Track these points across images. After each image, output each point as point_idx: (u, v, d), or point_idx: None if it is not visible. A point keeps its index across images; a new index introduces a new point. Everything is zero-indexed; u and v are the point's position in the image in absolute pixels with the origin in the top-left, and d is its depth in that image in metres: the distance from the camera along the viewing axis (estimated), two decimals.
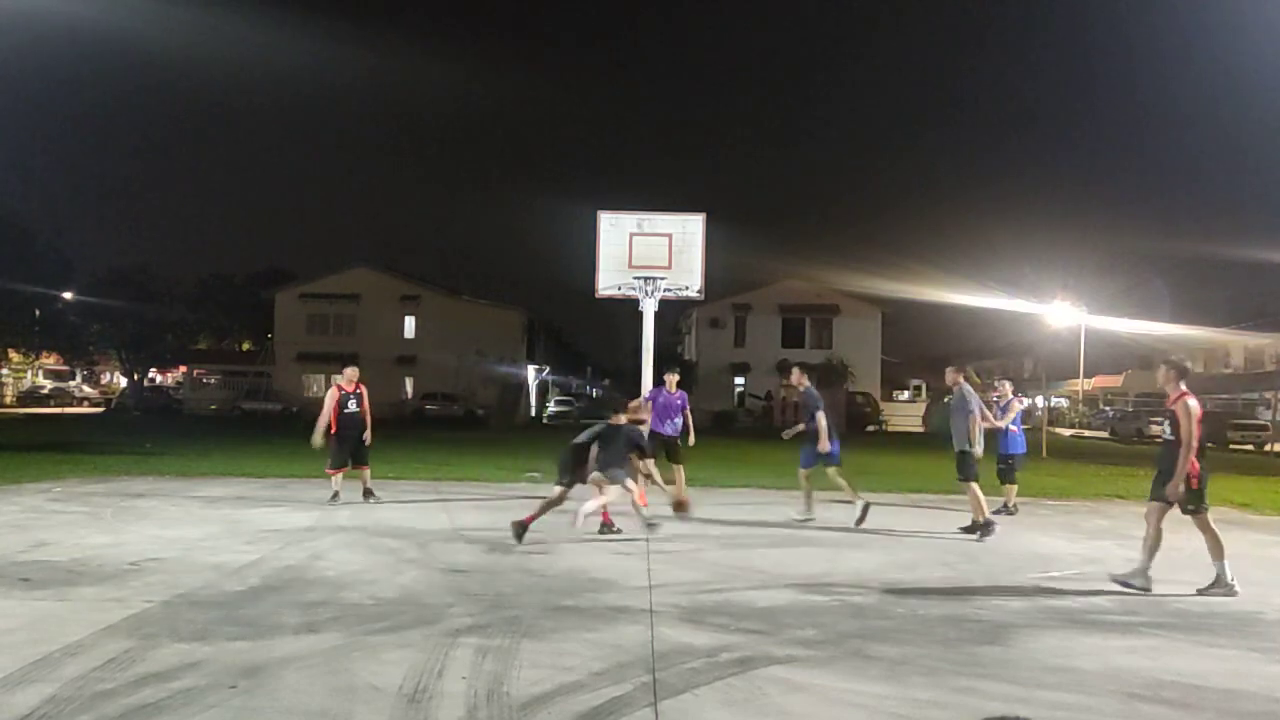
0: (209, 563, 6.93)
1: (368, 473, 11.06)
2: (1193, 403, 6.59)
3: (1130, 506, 12.27)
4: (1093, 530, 9.93)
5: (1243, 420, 34.63)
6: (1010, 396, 11.31)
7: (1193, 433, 6.50)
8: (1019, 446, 11.01)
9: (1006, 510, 10.87)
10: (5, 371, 53.89)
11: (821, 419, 9.88)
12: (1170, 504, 6.68)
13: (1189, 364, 6.97)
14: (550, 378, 60.24)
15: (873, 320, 46.43)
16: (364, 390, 11.01)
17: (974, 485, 9.08)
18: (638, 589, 6.35)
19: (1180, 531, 9.98)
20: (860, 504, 9.53)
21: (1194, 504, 6.68)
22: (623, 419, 8.55)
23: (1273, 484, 15.70)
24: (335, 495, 10.68)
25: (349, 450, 10.82)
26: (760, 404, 43.55)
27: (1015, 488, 11.00)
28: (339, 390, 10.84)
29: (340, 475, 10.79)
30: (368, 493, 10.85)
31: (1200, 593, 6.60)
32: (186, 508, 10.05)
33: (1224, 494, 13.77)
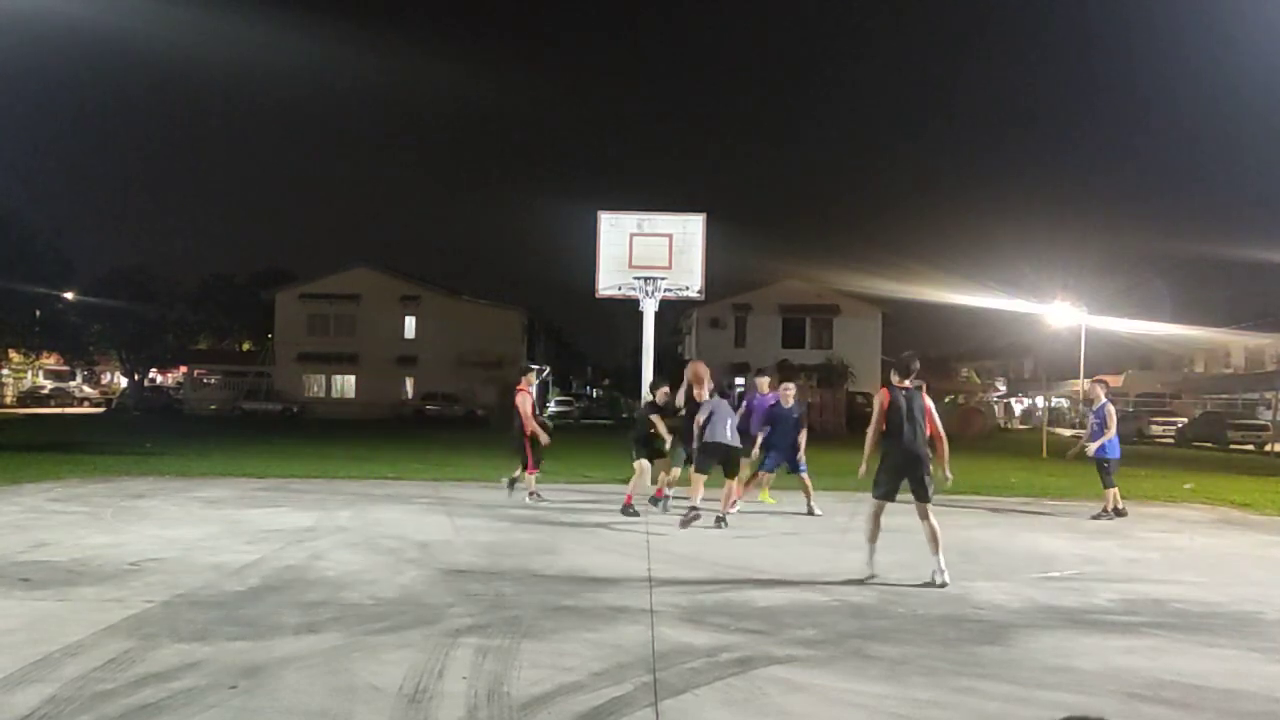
0: (209, 563, 6.93)
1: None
2: (881, 395, 7.04)
3: (1131, 506, 12.25)
4: (1093, 530, 9.93)
5: (1243, 420, 34.60)
6: (1104, 400, 11.11)
7: (873, 419, 7.05)
8: (1116, 451, 10.98)
9: (1117, 513, 10.72)
10: (5, 372, 53.86)
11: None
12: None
13: (911, 364, 7.17)
14: (550, 378, 60.25)
15: (873, 320, 46.43)
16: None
17: (700, 476, 9.43)
18: (638, 589, 6.35)
19: (1182, 531, 10.02)
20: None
21: (873, 489, 7.07)
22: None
23: (1273, 484, 15.69)
24: (534, 494, 11.07)
25: (540, 450, 11.27)
26: None
27: (1115, 490, 10.96)
28: (528, 394, 11.22)
29: (535, 475, 11.18)
30: (513, 486, 11.36)
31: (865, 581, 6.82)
32: (187, 508, 10.04)
33: (1224, 494, 13.78)
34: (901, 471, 6.93)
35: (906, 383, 7.07)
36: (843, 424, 36.44)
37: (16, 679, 4.16)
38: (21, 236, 42.22)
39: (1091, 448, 10.92)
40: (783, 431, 10.52)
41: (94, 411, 46.21)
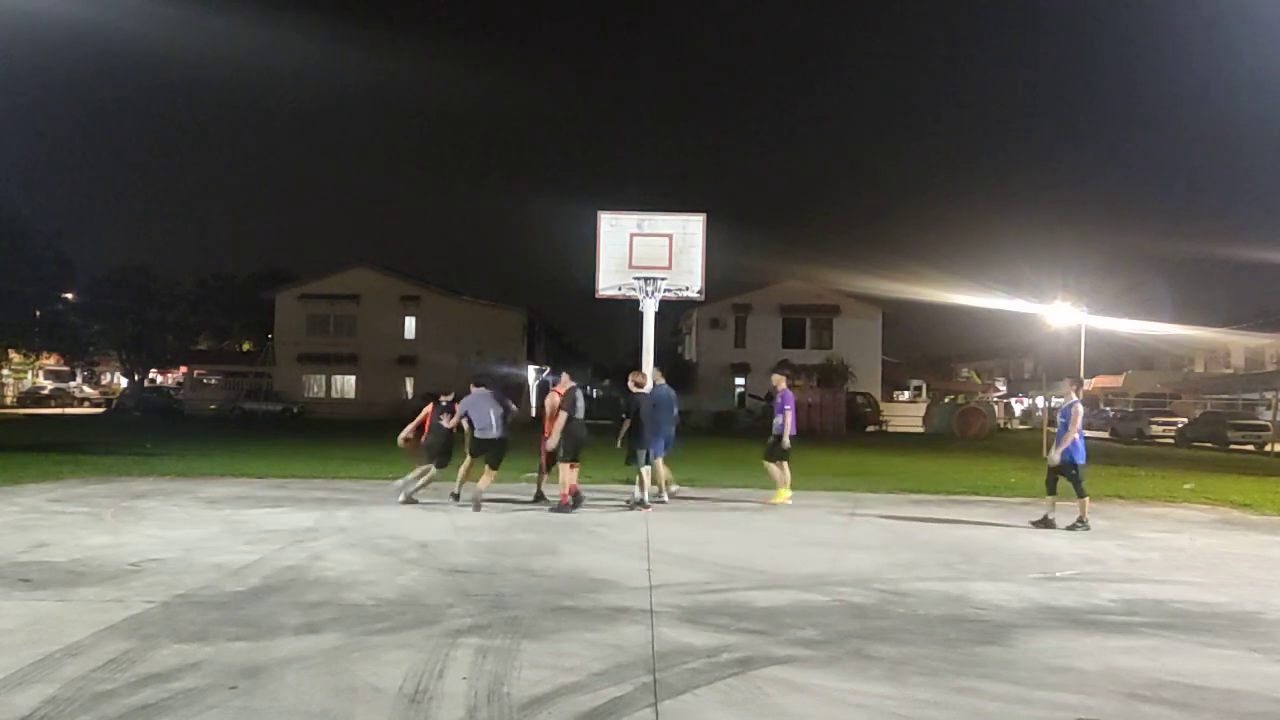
0: (209, 563, 6.93)
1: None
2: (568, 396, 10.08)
3: (1131, 506, 12.28)
4: (1093, 530, 9.92)
5: (1243, 420, 34.58)
6: (1074, 399, 10.31)
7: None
8: (1082, 454, 10.09)
9: (1082, 524, 9.80)
10: (6, 372, 53.84)
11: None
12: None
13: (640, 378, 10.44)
14: (550, 378, 60.21)
15: (873, 320, 46.38)
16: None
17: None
18: (638, 589, 6.35)
19: (1181, 531, 10.02)
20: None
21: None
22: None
23: (1273, 484, 15.69)
24: (539, 493, 11.41)
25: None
26: (760, 404, 43.45)
27: (1087, 499, 10.05)
28: (558, 394, 11.28)
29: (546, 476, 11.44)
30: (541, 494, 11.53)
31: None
32: (187, 508, 10.05)
33: (1224, 494, 13.78)
34: None
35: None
36: (843, 424, 36.50)
37: (16, 679, 4.16)
38: (21, 236, 42.23)
39: (1055, 454, 10.00)
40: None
41: (94, 412, 46.19)
